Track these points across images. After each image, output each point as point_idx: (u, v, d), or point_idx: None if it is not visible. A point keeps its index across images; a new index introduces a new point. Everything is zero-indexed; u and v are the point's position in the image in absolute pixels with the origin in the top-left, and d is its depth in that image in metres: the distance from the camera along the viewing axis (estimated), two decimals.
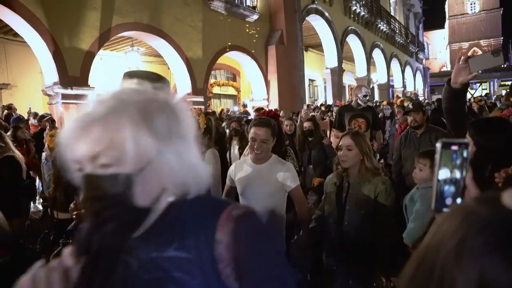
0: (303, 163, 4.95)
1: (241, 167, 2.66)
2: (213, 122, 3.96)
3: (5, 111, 9.44)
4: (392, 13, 26.16)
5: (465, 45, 47.48)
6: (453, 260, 0.48)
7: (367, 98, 5.13)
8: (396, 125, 6.92)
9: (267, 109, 5.69)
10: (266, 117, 2.61)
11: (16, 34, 9.58)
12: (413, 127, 4.09)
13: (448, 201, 0.73)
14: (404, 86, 26.81)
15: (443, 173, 0.72)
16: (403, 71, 27.08)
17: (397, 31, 25.73)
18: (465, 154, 0.71)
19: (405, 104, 8.80)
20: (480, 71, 1.74)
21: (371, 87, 21.48)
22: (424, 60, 35.89)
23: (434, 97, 27.67)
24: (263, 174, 2.53)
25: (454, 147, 0.71)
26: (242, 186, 2.60)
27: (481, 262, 0.46)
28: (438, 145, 0.71)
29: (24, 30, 8.01)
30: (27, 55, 10.72)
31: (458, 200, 0.73)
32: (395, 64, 25.79)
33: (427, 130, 4.04)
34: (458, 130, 2.04)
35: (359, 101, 5.09)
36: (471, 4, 48.05)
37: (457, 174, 0.72)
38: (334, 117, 6.39)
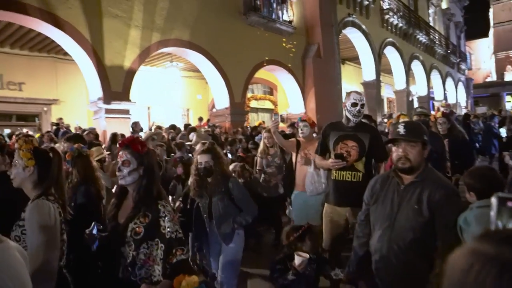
0: (198, 220, 3.41)
1: None
2: (59, 153, 2.25)
3: (54, 127, 9.97)
4: (431, 24, 25.49)
5: None
6: None
7: (357, 109, 3.38)
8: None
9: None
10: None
11: (65, 53, 10.14)
12: (400, 169, 2.24)
13: None
14: (445, 98, 25.91)
15: None
16: (443, 83, 26.21)
17: (436, 42, 25.01)
18: None
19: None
20: None
21: (410, 99, 20.88)
22: (466, 71, 34.59)
23: (479, 109, 26.54)
24: None
25: (510, 204, 0.64)
26: None
27: None
28: (494, 200, 0.66)
29: (73, 49, 8.48)
30: (74, 72, 11.30)
31: None
32: (435, 75, 25.01)
33: (420, 180, 2.21)
34: None
35: (347, 115, 3.45)
36: None
37: None
38: (301, 135, 4.60)
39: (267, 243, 5.50)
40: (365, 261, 2.42)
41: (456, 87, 29.13)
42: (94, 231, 2.13)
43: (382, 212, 2.31)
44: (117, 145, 2.54)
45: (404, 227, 2.19)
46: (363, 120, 3.78)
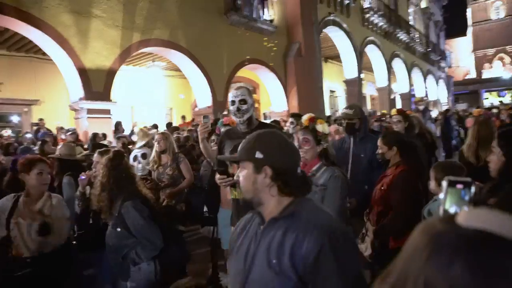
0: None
1: None
2: None
3: (34, 127, 9.88)
4: (411, 23, 25.92)
5: (490, 51, 46.38)
6: (408, 264, 0.54)
7: (236, 107, 2.65)
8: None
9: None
10: None
11: (44, 53, 10.03)
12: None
13: None
14: (426, 95, 26.39)
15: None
16: (425, 80, 26.70)
17: (417, 40, 25.45)
18: (470, 194, 0.67)
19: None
20: None
21: (392, 97, 21.20)
22: (446, 69, 35.29)
23: (459, 106, 27.12)
24: None
25: (460, 186, 0.67)
26: None
27: (426, 267, 0.51)
28: (444, 183, 0.67)
29: (52, 49, 8.42)
30: (54, 73, 11.17)
31: None
32: (416, 73, 25.47)
33: (283, 218, 1.33)
34: None
35: (234, 117, 2.80)
36: (496, 9, 47.10)
37: None
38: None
39: None
40: None
41: (437, 84, 29.70)
42: None
43: (235, 267, 1.43)
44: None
45: None
46: (267, 122, 3.00)
